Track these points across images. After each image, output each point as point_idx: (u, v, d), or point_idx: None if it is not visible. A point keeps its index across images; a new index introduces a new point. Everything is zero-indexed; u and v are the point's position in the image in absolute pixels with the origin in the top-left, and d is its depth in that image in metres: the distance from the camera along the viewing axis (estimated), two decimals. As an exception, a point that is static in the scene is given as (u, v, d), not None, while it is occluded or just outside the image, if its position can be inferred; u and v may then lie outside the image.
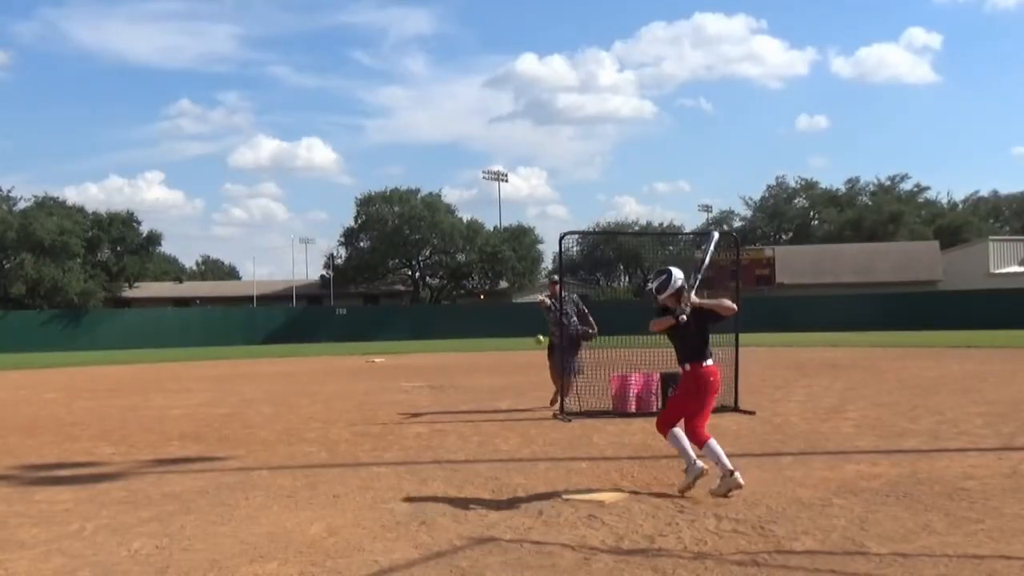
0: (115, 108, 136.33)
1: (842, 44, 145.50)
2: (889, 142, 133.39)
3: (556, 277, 13.76)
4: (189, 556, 5.69)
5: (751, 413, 12.13)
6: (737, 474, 6.94)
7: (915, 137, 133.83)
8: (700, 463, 7.10)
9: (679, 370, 7.55)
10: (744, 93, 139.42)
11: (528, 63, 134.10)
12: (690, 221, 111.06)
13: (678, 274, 7.47)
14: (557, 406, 12.87)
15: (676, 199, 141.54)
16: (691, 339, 7.34)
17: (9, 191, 67.02)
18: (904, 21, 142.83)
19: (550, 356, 13.29)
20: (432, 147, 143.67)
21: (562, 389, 12.85)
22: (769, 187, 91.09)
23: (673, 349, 7.54)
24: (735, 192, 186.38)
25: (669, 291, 7.36)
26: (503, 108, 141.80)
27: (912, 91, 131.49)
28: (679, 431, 7.34)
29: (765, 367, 20.44)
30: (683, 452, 7.26)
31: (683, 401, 7.48)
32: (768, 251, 68.35)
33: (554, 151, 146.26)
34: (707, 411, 7.42)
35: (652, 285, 7.64)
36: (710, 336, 7.48)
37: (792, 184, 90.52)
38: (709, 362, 7.36)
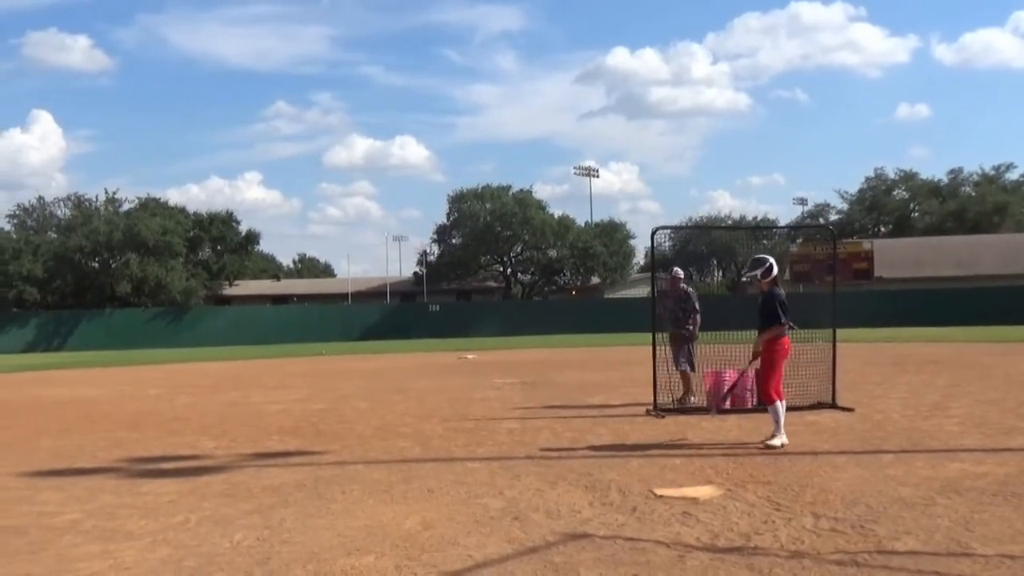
0: (213, 111, 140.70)
1: (944, 30, 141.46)
2: (994, 131, 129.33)
3: (679, 272, 13.66)
4: (289, 548, 5.81)
5: (850, 410, 11.87)
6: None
7: (1021, 125, 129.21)
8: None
9: None
10: (842, 83, 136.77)
11: (619, 57, 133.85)
12: (785, 215, 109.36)
13: (774, 263, 9.25)
14: (694, 402, 12.75)
15: (771, 192, 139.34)
16: None
17: (114, 193, 69.30)
18: (1011, 4, 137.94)
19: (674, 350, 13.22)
20: (522, 144, 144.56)
21: (682, 383, 12.83)
22: (867, 179, 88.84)
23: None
24: (831, 185, 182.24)
25: (772, 276, 9.13)
26: (594, 103, 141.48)
27: (1019, 77, 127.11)
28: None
29: (864, 363, 19.99)
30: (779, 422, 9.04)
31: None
32: (866, 244, 66.78)
33: (646, 146, 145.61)
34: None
35: (757, 272, 9.26)
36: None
37: (891, 175, 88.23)
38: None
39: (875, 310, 45.29)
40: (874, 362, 20.84)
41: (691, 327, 13.01)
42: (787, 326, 9.03)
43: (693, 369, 12.99)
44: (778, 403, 9.03)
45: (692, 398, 12.79)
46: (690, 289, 13.51)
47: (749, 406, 12.22)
